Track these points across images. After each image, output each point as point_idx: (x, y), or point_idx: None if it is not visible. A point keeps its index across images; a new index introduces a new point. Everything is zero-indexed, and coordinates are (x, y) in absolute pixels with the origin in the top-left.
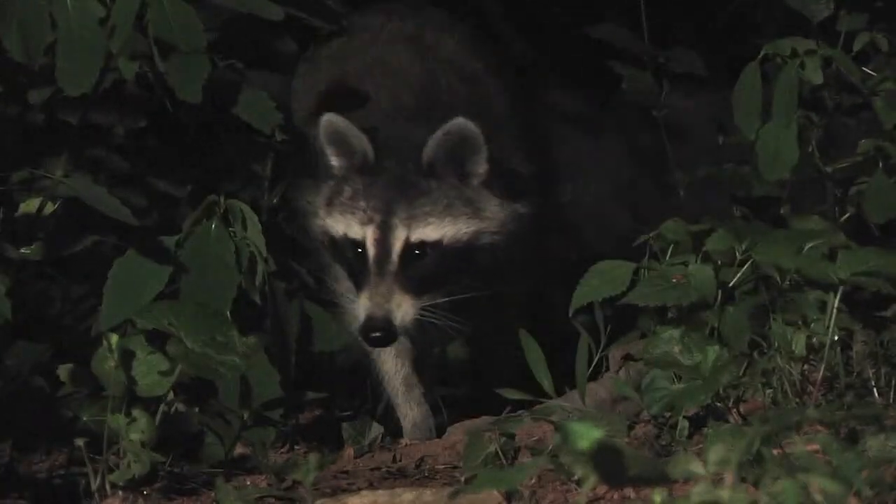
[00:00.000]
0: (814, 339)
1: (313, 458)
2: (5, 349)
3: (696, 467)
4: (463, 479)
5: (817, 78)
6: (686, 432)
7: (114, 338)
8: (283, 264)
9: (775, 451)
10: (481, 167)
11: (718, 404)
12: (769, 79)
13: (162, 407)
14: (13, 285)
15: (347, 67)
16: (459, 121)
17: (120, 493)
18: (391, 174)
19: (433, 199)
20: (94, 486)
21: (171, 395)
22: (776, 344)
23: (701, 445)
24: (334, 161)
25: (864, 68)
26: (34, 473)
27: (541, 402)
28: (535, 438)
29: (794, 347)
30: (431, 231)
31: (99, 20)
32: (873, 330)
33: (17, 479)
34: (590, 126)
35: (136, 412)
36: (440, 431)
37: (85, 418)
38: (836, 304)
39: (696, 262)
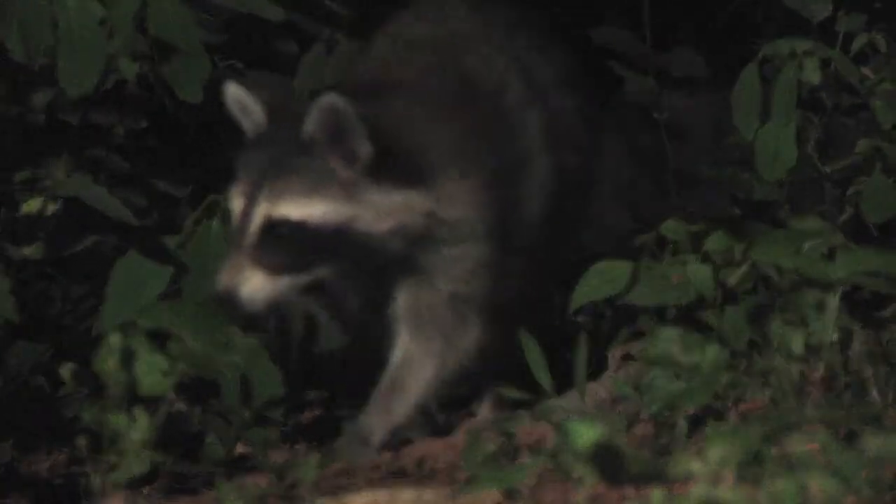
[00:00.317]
0: (813, 339)
1: (314, 457)
2: (6, 349)
3: (696, 467)
4: (463, 478)
5: (816, 78)
6: (686, 432)
7: (115, 338)
8: None
9: (775, 451)
10: (363, 148)
11: (718, 404)
12: (768, 79)
13: (162, 407)
14: (14, 285)
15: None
16: (329, 96)
17: (120, 493)
18: (272, 147)
19: (304, 177)
20: (94, 486)
21: (171, 395)
22: (776, 344)
23: (701, 445)
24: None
25: (863, 69)
26: (35, 473)
27: (541, 402)
28: (535, 438)
29: (793, 347)
30: (296, 209)
31: (99, 20)
32: (872, 330)
33: (17, 478)
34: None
35: (136, 412)
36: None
37: (85, 418)
38: (835, 304)
39: (695, 261)
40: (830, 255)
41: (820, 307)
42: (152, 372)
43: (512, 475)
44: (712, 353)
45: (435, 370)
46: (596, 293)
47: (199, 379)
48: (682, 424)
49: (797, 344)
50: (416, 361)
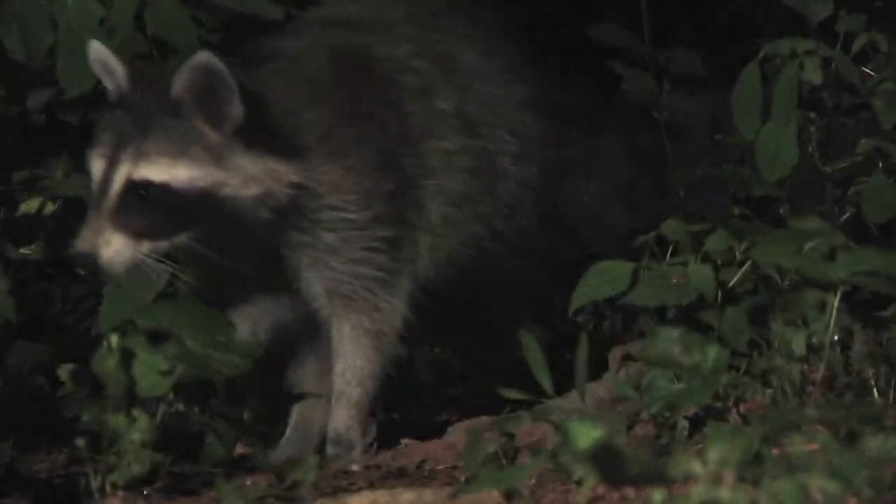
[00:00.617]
0: (814, 339)
1: (313, 458)
2: (6, 349)
3: (696, 467)
4: (463, 479)
5: (817, 78)
6: (686, 432)
7: (114, 338)
8: None
9: (775, 451)
10: (234, 109)
11: (718, 404)
12: (769, 79)
13: (162, 407)
14: (14, 285)
15: None
16: (203, 55)
17: (120, 493)
18: (135, 108)
19: (169, 138)
20: (94, 486)
21: (171, 395)
22: (776, 344)
23: (701, 445)
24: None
25: (864, 68)
26: (34, 473)
27: (541, 402)
28: (535, 438)
29: (793, 347)
30: (159, 171)
31: (99, 20)
32: (873, 330)
33: (17, 478)
34: (589, 126)
35: (136, 412)
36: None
37: (85, 418)
38: (835, 304)
39: (695, 261)
40: (831, 256)
41: (820, 307)
42: (151, 372)
43: (512, 475)
44: (712, 353)
45: (370, 340)
46: (596, 293)
47: (198, 379)
48: (683, 424)
49: (798, 344)
50: (347, 340)
